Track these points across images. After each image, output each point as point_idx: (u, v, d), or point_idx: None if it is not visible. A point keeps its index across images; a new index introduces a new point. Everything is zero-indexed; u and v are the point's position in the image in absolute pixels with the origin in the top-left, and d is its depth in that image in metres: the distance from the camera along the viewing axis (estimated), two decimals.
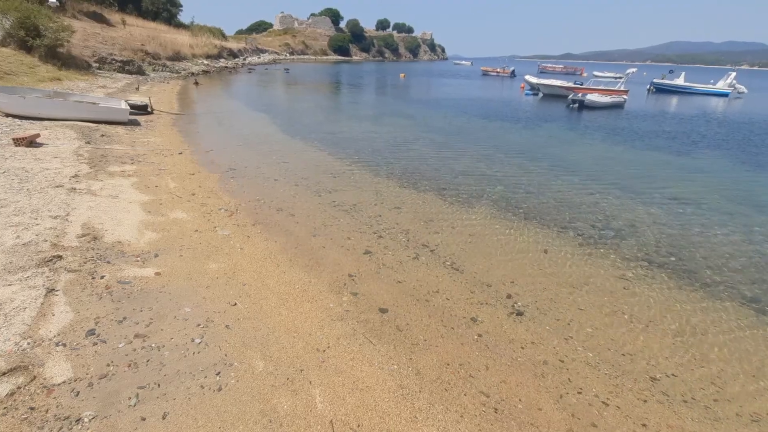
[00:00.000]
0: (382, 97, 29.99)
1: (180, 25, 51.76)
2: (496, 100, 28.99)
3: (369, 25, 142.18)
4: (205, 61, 42.48)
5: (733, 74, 39.96)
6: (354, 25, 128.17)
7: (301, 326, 3.99)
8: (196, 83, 27.96)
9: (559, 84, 31.34)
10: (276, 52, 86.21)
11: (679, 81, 40.92)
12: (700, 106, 29.13)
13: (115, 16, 37.20)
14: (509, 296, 4.90)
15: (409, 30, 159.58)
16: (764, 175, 11.34)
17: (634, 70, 32.61)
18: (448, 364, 3.69)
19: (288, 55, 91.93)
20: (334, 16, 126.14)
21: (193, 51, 41.58)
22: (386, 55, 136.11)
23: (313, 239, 6.10)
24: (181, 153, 10.32)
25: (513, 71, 62.34)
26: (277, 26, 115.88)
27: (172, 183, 7.93)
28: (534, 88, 32.91)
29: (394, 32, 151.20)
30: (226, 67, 46.20)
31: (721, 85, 39.18)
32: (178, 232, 5.75)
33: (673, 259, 6.10)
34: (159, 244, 5.33)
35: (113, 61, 24.97)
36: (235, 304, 4.21)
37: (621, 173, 10.78)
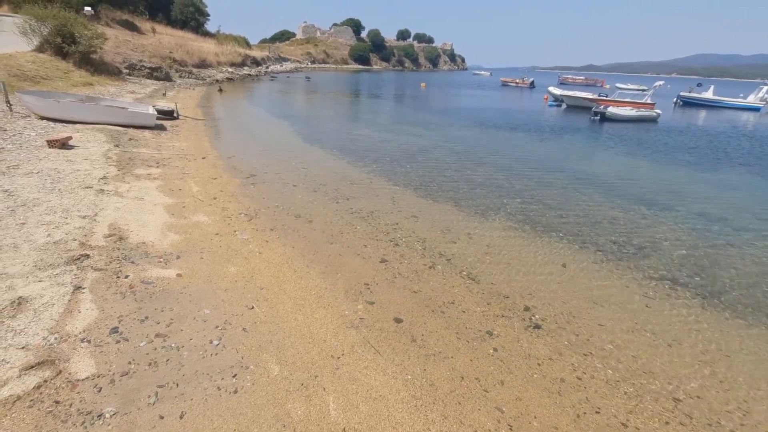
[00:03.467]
0: (401, 106, 30.17)
1: (207, 34, 53.39)
2: (518, 111, 28.80)
3: (390, 35, 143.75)
4: (230, 69, 43.59)
5: (765, 88, 38.71)
6: (375, 35, 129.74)
7: (317, 332, 4.02)
8: (220, 90, 28.69)
9: (583, 96, 30.94)
10: (298, 61, 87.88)
11: (708, 94, 39.86)
12: (730, 121, 28.29)
13: (145, 25, 38.64)
14: (527, 309, 4.83)
15: (430, 40, 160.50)
16: None
17: (661, 83, 32.00)
18: (463, 378, 3.65)
19: (309, 63, 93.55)
20: (356, 26, 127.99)
21: (218, 59, 42.74)
22: (406, 65, 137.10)
23: (330, 246, 6.15)
24: (204, 158, 10.58)
25: (532, 82, 61.93)
26: (299, 36, 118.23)
27: (195, 187, 8.13)
28: (557, 100, 32.62)
29: (415, 42, 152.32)
30: (249, 74, 47.28)
31: (752, 100, 38.02)
32: (199, 235, 5.88)
33: (698, 279, 5.91)
34: (181, 246, 5.46)
35: (142, 68, 25.87)
36: (253, 307, 4.27)
37: (645, 188, 10.54)
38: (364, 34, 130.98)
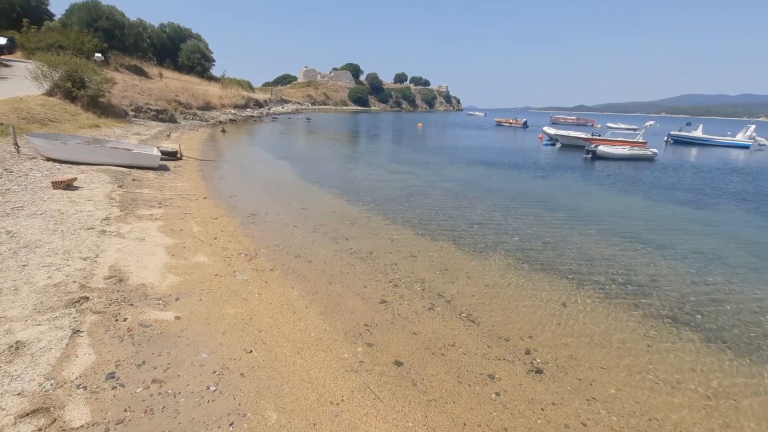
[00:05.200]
0: (399, 146, 30.92)
1: (212, 78, 55.50)
2: (513, 150, 29.52)
3: (387, 78, 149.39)
4: (233, 111, 44.97)
5: (753, 126, 39.93)
6: (373, 78, 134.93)
7: (315, 377, 3.97)
8: (223, 131, 29.49)
9: (576, 135, 31.86)
10: (299, 103, 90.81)
11: (698, 133, 41.02)
12: (722, 158, 29.00)
13: (153, 69, 40.29)
14: (528, 352, 4.79)
15: (426, 83, 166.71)
16: None
17: (652, 122, 33.01)
18: (465, 425, 3.57)
19: (310, 105, 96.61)
20: (355, 71, 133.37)
21: (222, 101, 44.20)
22: (403, 106, 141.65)
23: (329, 286, 6.15)
24: (205, 198, 10.74)
25: (525, 122, 63.85)
26: (301, 79, 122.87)
27: (195, 227, 8.21)
28: (552, 139, 33.52)
29: (411, 85, 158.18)
30: (251, 116, 48.72)
31: (740, 138, 39.10)
32: (199, 276, 5.89)
33: (699, 317, 5.89)
34: (180, 287, 5.47)
35: (148, 110, 26.72)
36: (251, 351, 4.23)
37: (641, 226, 10.66)
38: (362, 78, 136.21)
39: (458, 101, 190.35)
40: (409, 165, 19.94)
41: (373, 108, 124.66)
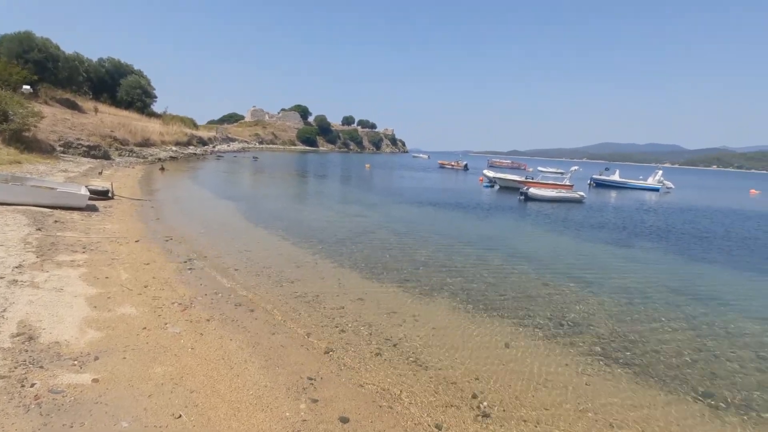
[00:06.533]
0: (347, 186, 31.23)
1: (153, 114, 53.40)
2: (456, 191, 30.91)
3: (335, 120, 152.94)
4: (174, 148, 43.26)
5: (660, 172, 45.27)
6: (321, 120, 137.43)
7: None
8: (162, 169, 28.13)
9: (513, 178, 34.23)
10: (246, 141, 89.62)
11: (615, 177, 45.64)
12: (636, 200, 32.28)
13: (88, 104, 38.07)
14: (475, 396, 4.79)
15: (373, 126, 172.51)
16: (699, 265, 12.32)
17: (576, 167, 36.27)
18: None
19: (257, 144, 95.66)
20: (303, 112, 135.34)
21: (162, 138, 42.47)
22: (351, 147, 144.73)
23: (271, 337, 5.84)
24: (137, 241, 10.00)
25: (466, 165, 67.66)
26: (248, 118, 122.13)
27: (124, 274, 7.56)
28: (491, 181, 35.66)
29: (359, 127, 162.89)
30: (194, 153, 47.12)
31: (651, 181, 44.00)
32: (124, 330, 5.35)
33: (628, 353, 6.27)
34: (101, 344, 4.92)
35: (79, 146, 24.95)
36: (180, 416, 3.84)
37: (572, 264, 11.41)
38: (311, 119, 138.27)
39: (403, 144, 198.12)
40: (358, 205, 20.10)
41: (321, 148, 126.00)
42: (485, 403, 4.66)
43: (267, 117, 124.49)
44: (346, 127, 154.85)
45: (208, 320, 6.08)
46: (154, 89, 55.61)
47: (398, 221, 16.25)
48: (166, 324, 5.74)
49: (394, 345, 5.89)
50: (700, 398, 5.17)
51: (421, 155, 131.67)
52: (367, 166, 59.33)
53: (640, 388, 5.30)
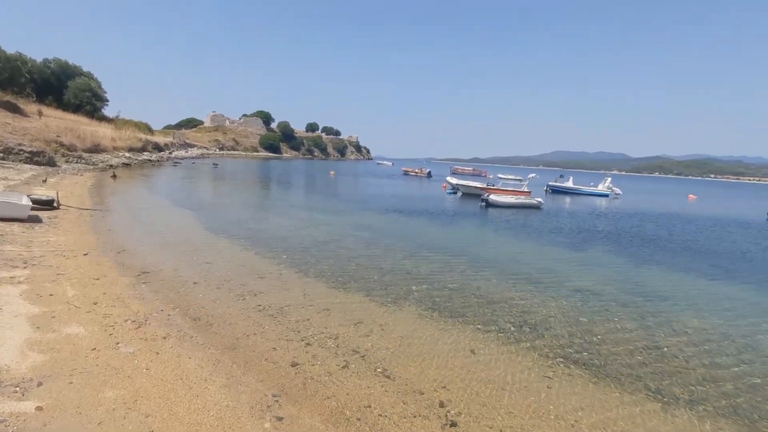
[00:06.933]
0: (312, 193, 30.86)
1: (104, 119, 50.52)
2: (420, 198, 31.30)
3: (299, 127, 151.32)
4: (127, 154, 41.15)
5: (609, 179, 48.01)
6: (284, 126, 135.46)
7: None
8: (114, 176, 26.64)
9: (475, 185, 35.14)
10: (205, 147, 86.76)
11: (569, 184, 47.91)
12: (588, 205, 34.01)
13: (31, 107, 35.48)
14: (442, 404, 4.81)
15: (337, 133, 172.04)
16: (647, 266, 13.10)
17: (534, 175, 37.77)
18: None
19: (218, 150, 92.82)
20: (266, 118, 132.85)
21: (114, 144, 40.31)
22: (315, 154, 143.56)
23: (233, 352, 5.63)
24: (86, 254, 9.37)
25: (429, 172, 68.80)
26: (208, 123, 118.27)
27: (71, 290, 7.05)
28: (454, 188, 36.42)
29: (323, 134, 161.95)
30: (149, 160, 45.03)
31: (601, 188, 46.55)
32: (70, 352, 4.98)
33: (585, 354, 6.55)
34: (45, 368, 4.54)
35: (21, 152, 23.19)
36: None
37: (532, 268, 11.81)
38: (274, 125, 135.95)
39: (368, 151, 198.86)
40: (323, 213, 19.89)
41: (285, 155, 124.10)
42: (453, 412, 4.70)
43: (228, 123, 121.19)
44: (310, 134, 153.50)
45: (164, 338, 5.77)
46: (106, 92, 52.76)
47: (364, 229, 16.21)
48: (117, 343, 5.39)
49: (362, 356, 5.83)
50: (652, 395, 5.46)
51: (385, 162, 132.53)
52: (332, 173, 59.03)
53: (598, 388, 5.53)
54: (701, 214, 32.99)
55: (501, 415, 4.72)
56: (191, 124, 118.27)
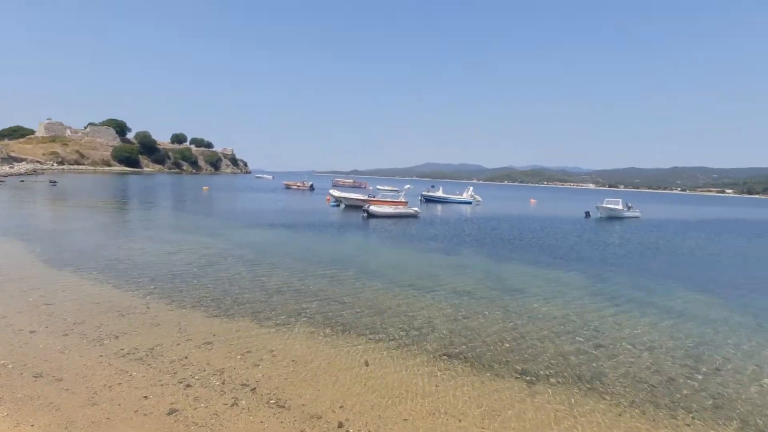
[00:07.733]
0: (182, 212, 27.85)
1: None
2: (304, 212, 30.85)
3: (163, 138, 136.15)
4: None
5: (471, 188, 54.31)
6: (144, 137, 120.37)
7: None
8: None
9: (356, 197, 36.18)
10: (39, 162, 71.93)
11: (440, 193, 52.73)
12: (456, 212, 37.91)
13: None
14: (340, 425, 4.80)
15: (209, 145, 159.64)
16: (506, 264, 15.13)
17: (409, 186, 40.49)
18: None
19: (56, 164, 77.75)
20: (119, 127, 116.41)
21: None
22: (184, 168, 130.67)
23: (92, 409, 4.74)
24: None
25: (311, 185, 68.66)
26: (41, 134, 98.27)
27: None
28: (338, 200, 36.87)
29: (193, 146, 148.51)
30: None
31: (465, 196, 52.37)
32: None
33: (464, 347, 7.26)
34: None
35: None
36: None
37: (413, 274, 12.63)
38: (130, 135, 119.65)
39: (245, 164, 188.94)
40: (197, 234, 18.15)
41: (146, 169, 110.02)
42: (351, 430, 4.72)
43: (69, 132, 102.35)
44: (176, 146, 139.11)
45: None
46: None
47: (246, 247, 15.28)
48: None
49: (252, 389, 5.47)
50: (519, 376, 6.32)
51: (265, 176, 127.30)
52: (205, 188, 54.29)
53: (476, 378, 6.17)
54: (540, 215, 39.54)
55: (397, 424, 4.91)
56: (18, 133, 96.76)
